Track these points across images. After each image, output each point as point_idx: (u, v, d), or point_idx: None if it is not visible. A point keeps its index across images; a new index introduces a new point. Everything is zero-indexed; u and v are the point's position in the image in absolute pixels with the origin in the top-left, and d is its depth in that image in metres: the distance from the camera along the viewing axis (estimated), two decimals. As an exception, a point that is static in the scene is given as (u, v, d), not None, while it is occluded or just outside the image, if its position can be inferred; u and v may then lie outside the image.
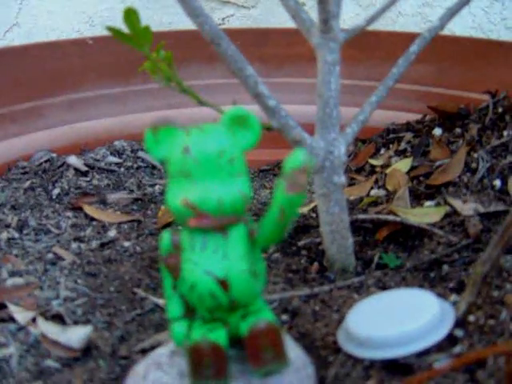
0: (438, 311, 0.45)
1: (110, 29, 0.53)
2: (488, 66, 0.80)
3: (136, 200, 0.76)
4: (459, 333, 0.46)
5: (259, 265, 0.38)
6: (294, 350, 0.39)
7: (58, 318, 0.48)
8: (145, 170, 0.82)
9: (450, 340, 0.45)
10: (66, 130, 0.83)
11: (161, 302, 0.53)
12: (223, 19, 1.20)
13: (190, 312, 0.39)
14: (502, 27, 1.16)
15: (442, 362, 0.42)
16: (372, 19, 0.58)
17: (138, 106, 0.88)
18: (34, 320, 0.48)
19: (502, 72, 0.79)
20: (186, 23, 1.22)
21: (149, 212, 0.74)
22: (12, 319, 0.48)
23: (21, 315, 0.48)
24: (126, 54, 0.87)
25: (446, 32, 1.05)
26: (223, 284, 0.36)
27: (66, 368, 0.43)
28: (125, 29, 0.54)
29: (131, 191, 0.77)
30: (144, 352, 0.46)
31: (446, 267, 0.59)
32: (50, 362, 0.43)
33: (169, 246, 0.38)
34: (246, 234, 0.37)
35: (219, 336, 0.36)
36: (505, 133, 0.74)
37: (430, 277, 0.58)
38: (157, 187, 0.79)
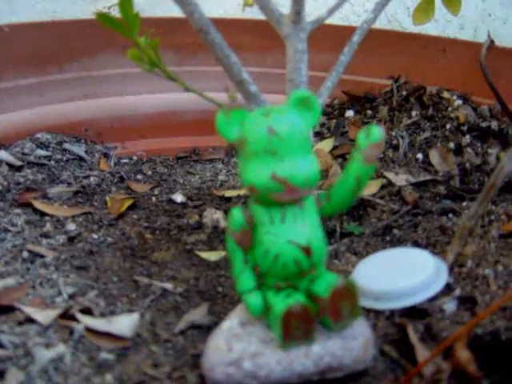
0: (434, 263, 0.52)
1: (97, 15, 0.52)
2: (388, 54, 0.90)
3: (77, 192, 0.73)
4: (450, 280, 0.54)
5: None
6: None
7: (87, 312, 0.47)
8: (74, 163, 0.80)
9: (447, 286, 0.52)
10: (-18, 123, 0.77)
11: (167, 286, 0.54)
12: (109, 8, 1.17)
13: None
14: (405, 15, 1.28)
15: (451, 304, 0.50)
16: (332, 11, 0.63)
17: (55, 97, 0.85)
18: (62, 316, 0.46)
19: (403, 60, 0.89)
20: (69, 12, 1.18)
21: (95, 203, 0.72)
22: (31, 321, 0.46)
23: (41, 315, 0.46)
24: (42, 42, 0.83)
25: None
26: (306, 250, 0.39)
27: (123, 358, 0.43)
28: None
29: (69, 184, 0.75)
30: (183, 333, 0.47)
31: (396, 231, 0.67)
32: (104, 355, 0.43)
33: (241, 222, 0.40)
34: (315, 205, 0.40)
35: (301, 299, 0.40)
36: (413, 113, 0.84)
37: (386, 240, 0.66)
38: (91, 179, 0.78)
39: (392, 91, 0.89)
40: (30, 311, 0.46)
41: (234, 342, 0.40)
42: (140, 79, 0.91)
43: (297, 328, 0.39)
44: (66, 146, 0.81)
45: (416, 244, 0.63)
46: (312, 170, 0.38)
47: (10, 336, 0.43)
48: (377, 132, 0.38)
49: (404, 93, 0.88)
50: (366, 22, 0.69)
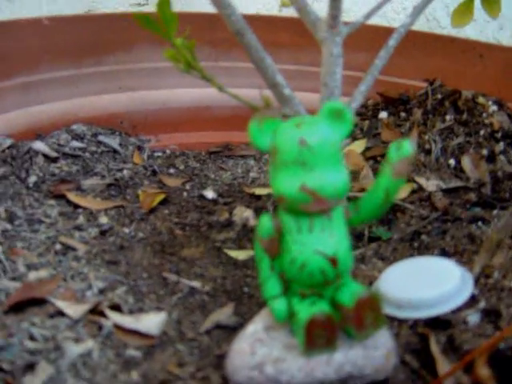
0: (461, 274, 0.52)
1: (136, 15, 0.53)
2: (425, 57, 0.89)
3: (110, 185, 0.75)
4: (475, 291, 0.53)
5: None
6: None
7: (116, 309, 0.48)
8: (108, 155, 0.81)
9: (472, 298, 0.52)
10: (20, 113, 0.79)
11: (195, 284, 0.55)
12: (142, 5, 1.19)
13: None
14: (444, 13, 1.27)
15: (474, 317, 0.50)
16: (369, 15, 0.63)
17: (90, 89, 0.86)
18: (92, 311, 0.47)
19: (438, 62, 0.88)
20: (107, 4, 1.19)
21: (128, 197, 0.73)
22: (61, 314, 0.48)
23: (71, 309, 0.48)
24: (80, 35, 0.85)
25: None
26: (333, 261, 0.39)
27: (149, 355, 0.44)
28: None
29: (103, 177, 0.76)
30: (208, 333, 0.48)
31: (424, 237, 0.67)
32: (131, 352, 0.44)
33: (270, 229, 0.41)
34: (343, 215, 0.41)
35: (325, 308, 0.40)
36: (447, 117, 0.84)
37: (414, 246, 0.66)
38: (125, 172, 0.79)
39: (427, 94, 0.88)
40: (61, 305, 0.48)
41: (257, 346, 0.41)
42: (175, 73, 0.92)
43: (320, 336, 0.39)
44: (101, 138, 0.83)
45: (443, 251, 0.63)
46: (341, 181, 0.39)
47: (40, 329, 0.44)
48: (407, 147, 0.38)
49: (439, 96, 0.87)
50: (402, 26, 0.68)
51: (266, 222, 0.41)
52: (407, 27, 0.69)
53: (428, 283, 0.51)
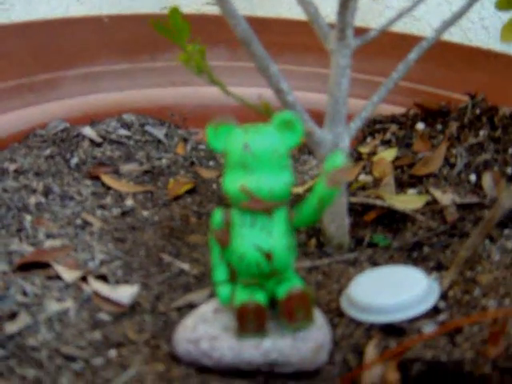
0: (426, 285, 0.54)
1: (153, 22, 0.59)
2: (469, 70, 0.89)
3: (146, 172, 0.82)
4: (442, 304, 0.55)
5: (293, 241, 0.46)
6: (316, 312, 0.48)
7: (102, 278, 0.55)
8: (152, 144, 0.89)
9: (435, 310, 0.54)
10: (78, 101, 0.88)
11: (185, 266, 0.61)
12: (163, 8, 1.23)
13: (232, 277, 0.47)
14: (479, 26, 1.26)
15: (428, 327, 0.52)
16: (382, 29, 0.65)
17: (144, 82, 0.94)
18: (83, 279, 0.55)
19: (481, 76, 0.88)
20: (145, 8, 1.25)
21: (159, 184, 0.80)
22: (58, 277, 0.55)
23: (67, 274, 0.55)
24: (137, 33, 0.93)
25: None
26: (268, 256, 0.44)
27: (117, 321, 0.51)
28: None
29: (141, 163, 0.84)
30: (179, 310, 0.54)
31: (426, 249, 0.68)
32: (102, 316, 0.51)
33: (220, 222, 0.46)
34: (286, 216, 0.45)
35: (260, 297, 0.45)
36: (481, 133, 0.84)
37: (412, 256, 0.67)
38: (163, 160, 0.86)
39: (466, 108, 0.88)
40: (60, 270, 0.56)
41: (200, 323, 0.46)
42: (227, 72, 0.98)
43: (251, 322, 0.44)
44: (148, 127, 0.90)
45: (439, 264, 0.65)
46: (279, 185, 0.43)
47: (35, 287, 0.52)
48: (340, 158, 0.42)
49: (478, 111, 0.87)
50: (427, 40, 0.70)
51: (217, 215, 0.46)
52: (431, 42, 0.70)
53: (391, 291, 0.54)
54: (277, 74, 0.61)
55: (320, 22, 0.64)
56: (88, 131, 0.84)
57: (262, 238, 0.44)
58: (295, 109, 0.63)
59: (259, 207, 0.43)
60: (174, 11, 0.58)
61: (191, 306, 0.55)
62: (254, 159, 0.42)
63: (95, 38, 0.88)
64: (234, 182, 0.43)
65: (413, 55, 0.69)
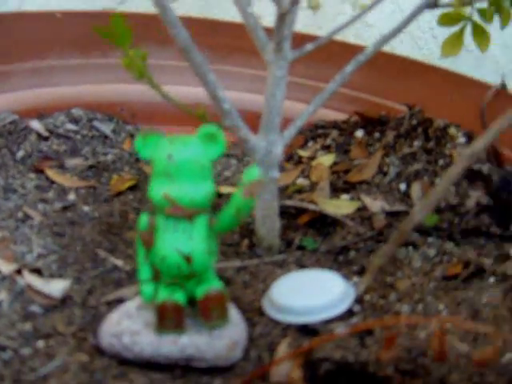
0: (343, 290, 0.58)
1: (94, 28, 0.62)
2: (409, 82, 0.94)
3: (91, 167, 0.84)
4: (357, 308, 0.59)
5: (214, 245, 0.50)
6: (232, 310, 0.52)
7: (37, 272, 0.58)
8: (98, 139, 0.91)
9: (350, 313, 0.59)
10: (28, 94, 0.90)
11: (119, 262, 0.64)
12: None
13: (155, 276, 0.50)
14: (429, 35, 1.31)
15: (340, 329, 0.56)
16: (316, 44, 0.69)
17: (95, 78, 0.96)
18: (18, 271, 0.57)
19: (419, 89, 0.93)
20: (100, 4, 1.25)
21: (102, 179, 0.83)
22: (-4, 269, 0.58)
23: (4, 266, 0.57)
24: (89, 29, 0.94)
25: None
26: (187, 259, 0.47)
27: (47, 313, 0.53)
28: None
29: (87, 158, 0.86)
30: (109, 304, 0.57)
31: (352, 253, 0.72)
32: (34, 308, 0.54)
33: (146, 225, 0.49)
34: (207, 222, 0.48)
35: (179, 297, 0.48)
36: (415, 143, 0.88)
37: (339, 260, 0.71)
38: (109, 156, 0.88)
39: (404, 118, 0.93)
40: (-2, 262, 0.58)
41: (124, 318, 0.49)
42: (178, 71, 1.00)
43: (169, 319, 0.47)
44: (95, 123, 0.92)
45: (362, 268, 0.69)
46: (199, 194, 0.46)
47: (-31, 279, 0.54)
48: (254, 173, 0.45)
49: (414, 122, 0.91)
50: (363, 54, 0.74)
51: (143, 219, 0.49)
52: (368, 56, 0.74)
53: (309, 293, 0.58)
54: (213, 82, 0.64)
55: (259, 33, 0.68)
56: (36, 124, 0.85)
57: (183, 242, 0.47)
58: (231, 116, 0.66)
59: (180, 214, 0.46)
60: (117, 16, 0.61)
61: (120, 301, 0.57)
62: (177, 169, 0.46)
63: (48, 32, 0.90)
64: (158, 190, 0.46)
65: (349, 68, 0.73)
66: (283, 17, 0.65)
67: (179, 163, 0.46)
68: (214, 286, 0.48)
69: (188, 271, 0.48)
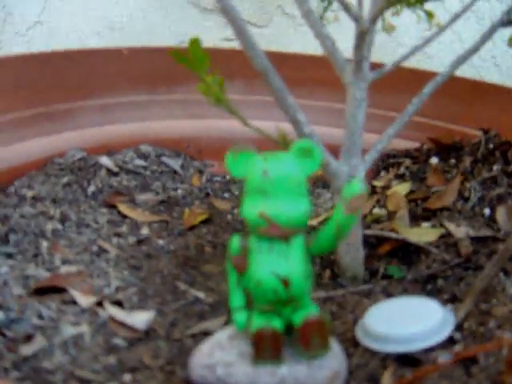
0: (442, 316, 0.54)
1: (171, 52, 0.61)
2: (482, 106, 0.90)
3: (162, 202, 0.83)
4: (457, 335, 0.55)
5: (310, 268, 0.46)
6: (332, 340, 0.48)
7: (118, 304, 0.56)
8: (167, 175, 0.90)
9: (450, 341, 0.54)
10: (95, 131, 0.90)
11: (200, 295, 0.61)
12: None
13: (248, 304, 0.47)
14: (491, 64, 1.28)
15: (444, 358, 0.51)
16: (397, 63, 0.67)
17: (161, 114, 0.96)
18: (99, 304, 0.55)
19: (494, 112, 0.89)
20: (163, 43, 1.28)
21: (174, 214, 0.81)
22: (74, 302, 0.56)
23: (83, 299, 0.55)
24: (155, 65, 0.95)
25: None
26: (285, 282, 0.44)
27: (132, 346, 0.51)
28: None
29: (157, 193, 0.85)
30: (194, 336, 0.54)
31: (440, 281, 0.68)
32: (117, 341, 0.51)
33: (238, 248, 0.46)
34: (303, 243, 0.45)
35: (277, 324, 0.45)
36: (494, 167, 0.84)
37: (427, 288, 0.67)
38: (179, 191, 0.87)
39: (480, 143, 0.89)
40: (76, 295, 0.56)
41: (216, 349, 0.46)
42: (244, 105, 0.99)
43: (267, 349, 0.44)
44: (164, 158, 0.91)
45: (454, 297, 0.64)
46: (297, 212, 0.43)
47: (50, 311, 0.52)
48: (358, 186, 0.42)
49: (491, 146, 0.87)
50: (441, 75, 0.71)
51: (235, 242, 0.46)
52: (445, 77, 0.71)
53: (406, 321, 0.54)
54: (294, 106, 0.62)
55: (337, 55, 0.66)
56: (105, 161, 0.85)
57: (280, 265, 0.44)
58: (312, 139, 0.64)
59: (277, 233, 0.43)
60: (194, 41, 0.60)
61: (206, 334, 0.55)
62: (273, 186, 0.43)
63: (114, 69, 0.90)
64: (252, 208, 0.44)
65: (427, 89, 0.70)
66: (363, 35, 0.63)
67: (275, 179, 0.43)
68: (314, 311, 0.45)
69: (285, 296, 0.44)
